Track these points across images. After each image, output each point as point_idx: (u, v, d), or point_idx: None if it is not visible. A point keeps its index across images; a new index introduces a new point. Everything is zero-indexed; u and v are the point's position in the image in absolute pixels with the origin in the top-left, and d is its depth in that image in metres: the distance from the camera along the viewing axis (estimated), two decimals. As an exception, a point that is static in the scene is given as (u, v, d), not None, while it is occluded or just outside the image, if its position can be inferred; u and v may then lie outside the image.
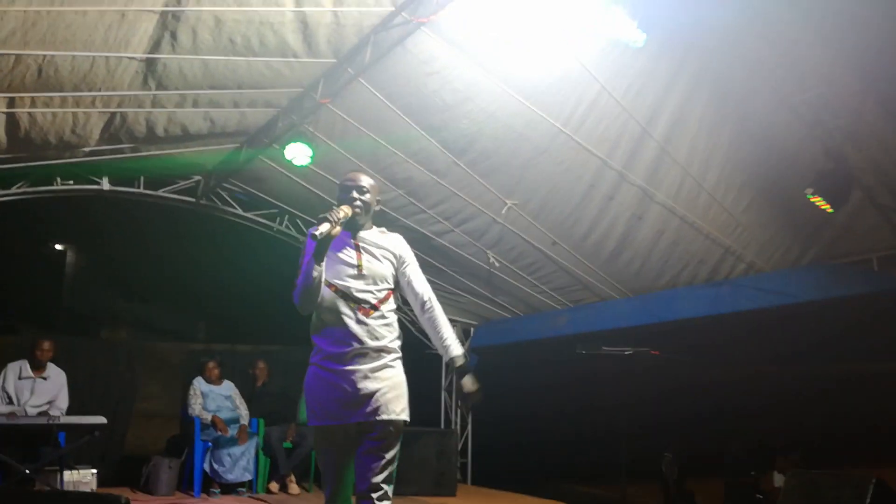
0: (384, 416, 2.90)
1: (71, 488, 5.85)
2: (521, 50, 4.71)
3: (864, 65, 4.06)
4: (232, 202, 7.87)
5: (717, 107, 4.76)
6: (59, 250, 14.39)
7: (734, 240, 6.00)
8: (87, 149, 5.97)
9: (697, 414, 8.73)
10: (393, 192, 6.65)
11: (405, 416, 2.99)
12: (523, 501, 7.40)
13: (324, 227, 2.84)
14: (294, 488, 7.36)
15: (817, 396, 7.97)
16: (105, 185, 7.07)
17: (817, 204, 4.78)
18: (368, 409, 2.89)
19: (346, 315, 2.94)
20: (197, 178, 7.51)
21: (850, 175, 4.68)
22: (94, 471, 6.22)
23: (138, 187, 7.33)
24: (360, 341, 2.93)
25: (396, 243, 3.18)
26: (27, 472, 5.47)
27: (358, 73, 5.19)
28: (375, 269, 3.04)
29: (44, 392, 6.29)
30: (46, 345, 6.38)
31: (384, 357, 2.97)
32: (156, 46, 4.63)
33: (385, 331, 3.00)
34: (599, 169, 5.60)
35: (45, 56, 4.49)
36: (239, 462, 6.98)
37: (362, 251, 3.06)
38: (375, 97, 5.46)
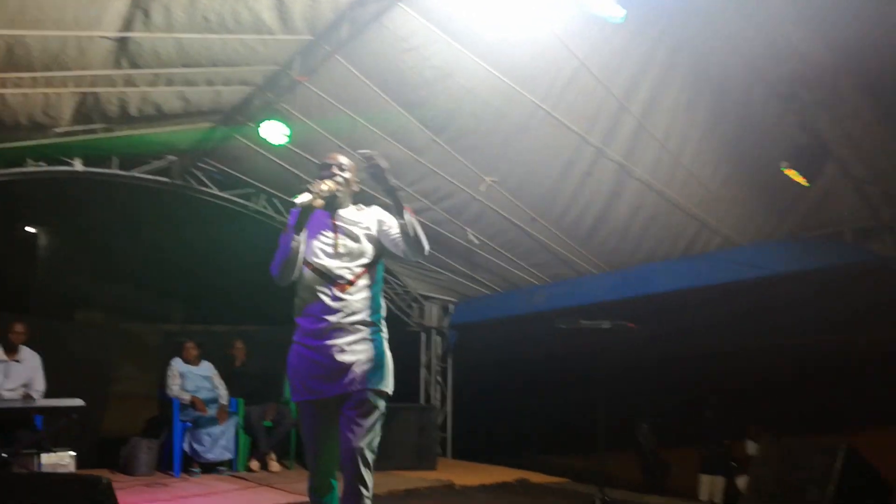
0: (359, 387, 2.97)
1: (49, 471, 5.81)
2: (499, 25, 4.69)
3: (838, 39, 4.10)
4: (207, 182, 7.78)
5: (695, 82, 4.80)
6: (31, 232, 14.16)
7: (710, 214, 6.07)
8: (58, 129, 5.85)
9: (673, 385, 8.88)
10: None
11: (383, 387, 3.05)
12: (502, 472, 7.50)
13: (304, 197, 2.91)
14: (275, 466, 7.38)
15: (790, 367, 8.13)
16: (78, 165, 6.95)
17: (792, 177, 4.84)
18: (345, 380, 2.96)
19: (322, 292, 3.00)
20: (172, 157, 7.40)
21: (825, 148, 4.75)
22: (73, 453, 6.17)
23: (112, 168, 7.21)
24: (336, 316, 2.98)
25: (373, 213, 3.21)
26: (4, 455, 5.42)
27: (335, 50, 5.15)
28: (352, 247, 3.08)
29: (18, 375, 6.22)
30: (19, 327, 6.29)
31: (361, 331, 3.02)
32: (128, 25, 4.55)
33: (361, 304, 3.04)
34: (578, 145, 5.62)
35: (14, 36, 4.39)
36: (219, 441, 6.98)
37: (339, 230, 3.10)
38: (353, 74, 5.42)
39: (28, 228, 14.09)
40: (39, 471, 5.65)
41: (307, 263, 3.03)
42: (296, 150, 6.59)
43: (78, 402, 5.75)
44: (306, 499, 5.47)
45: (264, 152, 6.82)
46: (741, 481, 7.42)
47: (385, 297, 3.29)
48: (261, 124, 6.00)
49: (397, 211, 3.01)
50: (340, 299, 2.99)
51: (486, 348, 9.50)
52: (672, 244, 6.61)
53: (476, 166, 6.23)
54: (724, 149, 5.33)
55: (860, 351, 7.26)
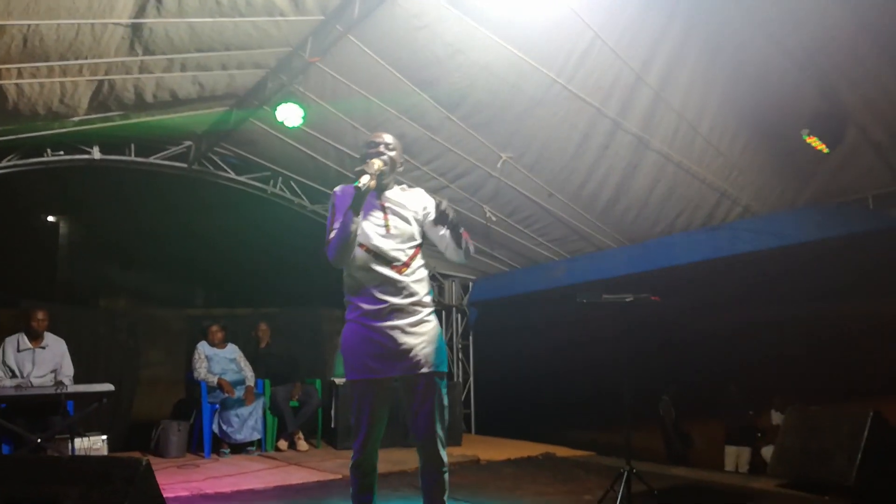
0: (425, 370, 3.02)
1: (83, 454, 5.93)
2: None
3: (855, 2, 4.03)
4: (224, 166, 7.83)
5: (712, 51, 4.72)
6: (52, 222, 14.31)
7: (730, 184, 6.01)
8: (76, 118, 5.91)
9: (696, 357, 8.85)
10: (387, 149, 6.62)
11: (444, 368, 3.11)
12: (527, 447, 7.54)
13: (364, 179, 2.90)
14: (302, 445, 7.48)
15: (814, 336, 8.07)
16: (96, 153, 7.02)
17: (813, 145, 4.78)
18: (409, 363, 3.00)
19: (379, 273, 3.02)
20: (188, 143, 7.45)
21: (845, 114, 4.68)
22: (105, 437, 6.29)
23: (129, 155, 7.28)
24: (396, 298, 3.01)
25: (418, 197, 3.23)
26: (39, 441, 5.53)
27: (346, 30, 5.12)
28: (402, 227, 3.10)
29: (45, 362, 6.32)
30: (41, 314, 6.39)
31: (420, 312, 3.06)
32: (141, 11, 4.56)
33: (418, 286, 3.07)
34: (594, 118, 5.57)
35: (29, 25, 4.42)
36: (247, 422, 7.08)
37: (388, 211, 3.11)
38: (365, 54, 5.40)
39: (49, 218, 14.23)
40: (73, 454, 5.76)
41: (360, 244, 3.03)
42: (311, 131, 6.60)
43: (108, 386, 5.86)
44: (335, 476, 5.56)
45: (279, 135, 6.84)
46: (766, 451, 7.43)
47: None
48: (277, 107, 6.01)
49: (456, 243, 3.11)
50: (398, 280, 3.02)
51: (506, 324, 9.52)
52: (692, 215, 6.56)
53: (491, 143, 6.20)
54: (742, 117, 5.26)
55: (885, 318, 7.18)
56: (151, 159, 7.42)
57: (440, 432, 3.04)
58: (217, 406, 7.07)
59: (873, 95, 4.61)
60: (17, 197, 10.55)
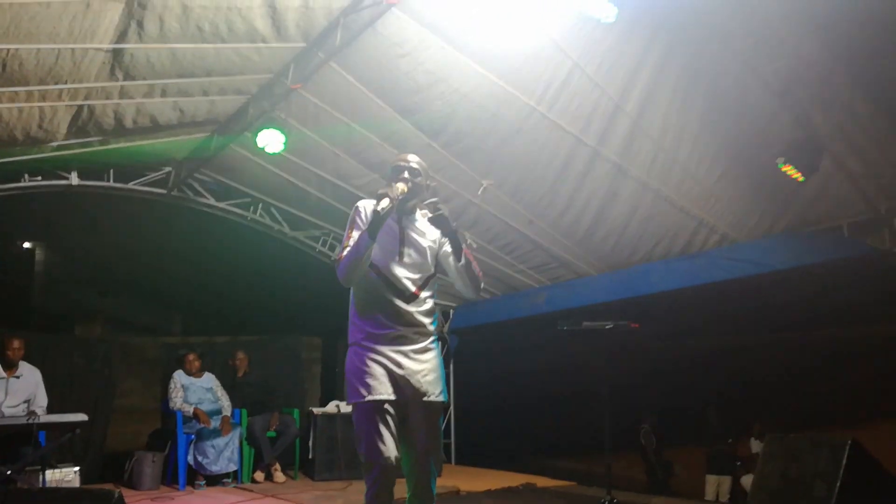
0: (427, 399, 2.98)
1: (54, 487, 5.78)
2: (492, 28, 4.70)
3: (830, 34, 4.12)
4: (204, 192, 7.78)
5: (689, 80, 4.81)
6: (28, 248, 14.13)
7: (707, 212, 6.08)
8: (54, 143, 5.86)
9: (675, 384, 8.88)
10: (368, 175, 6.64)
11: (444, 398, 3.08)
12: (507, 477, 7.47)
13: (384, 203, 2.82)
14: (279, 476, 7.35)
15: (792, 363, 8.12)
16: (74, 179, 6.96)
17: (788, 173, 4.85)
18: (412, 389, 2.96)
19: (387, 300, 2.99)
20: (167, 169, 7.41)
21: (820, 143, 4.76)
22: (77, 468, 6.13)
23: (108, 181, 7.21)
24: (401, 325, 2.98)
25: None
26: (8, 473, 5.38)
27: (329, 57, 5.15)
28: (416, 258, 3.07)
29: (18, 391, 6.17)
30: (16, 343, 6.24)
31: (423, 340, 3.04)
32: (122, 36, 4.56)
33: (424, 317, 3.05)
34: (574, 146, 5.63)
35: (8, 50, 4.40)
36: (223, 453, 6.95)
37: (405, 239, 3.06)
38: (347, 81, 5.43)
39: (25, 244, 14.06)
40: (45, 486, 5.62)
41: (372, 266, 2.99)
42: (292, 157, 6.60)
43: (81, 416, 5.72)
44: (311, 507, 5.38)
45: (260, 161, 6.83)
46: (746, 480, 7.42)
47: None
48: (258, 133, 6.00)
49: (456, 255, 3.07)
50: (405, 310, 2.99)
51: (487, 352, 9.49)
52: (670, 243, 6.61)
53: (472, 170, 6.24)
54: (719, 146, 5.34)
55: (861, 345, 7.26)
56: (130, 185, 7.36)
57: (433, 465, 3.00)
58: (193, 436, 6.94)
59: (847, 125, 4.71)
60: (-8, 223, 10.42)
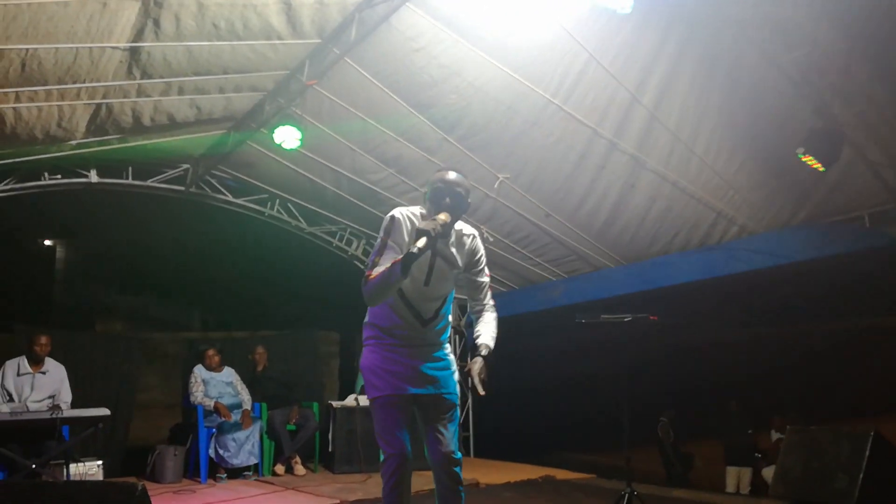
0: (442, 392, 3.06)
1: (78, 480, 5.86)
2: (506, 21, 4.69)
3: (848, 21, 4.07)
4: (222, 189, 7.83)
5: (706, 71, 4.77)
6: (49, 246, 14.29)
7: (726, 203, 6.03)
8: (73, 142, 5.92)
9: (695, 377, 8.82)
10: (384, 171, 6.65)
11: (456, 400, 3.13)
12: (527, 470, 7.47)
13: (421, 243, 2.69)
14: (300, 469, 7.40)
15: (813, 355, 8.05)
16: (93, 177, 7.02)
17: (808, 163, 4.80)
18: (428, 384, 3.03)
19: (406, 320, 3.03)
20: (185, 166, 7.46)
21: (840, 132, 4.70)
22: (100, 462, 6.22)
23: (127, 178, 7.28)
24: (415, 342, 3.05)
25: (472, 248, 3.11)
26: (33, 466, 5.47)
27: (344, 53, 5.16)
28: (441, 285, 3.02)
29: (44, 387, 6.27)
30: (44, 339, 6.35)
31: (435, 352, 3.11)
32: (139, 35, 4.59)
33: (438, 336, 3.13)
34: (590, 138, 5.60)
35: (27, 49, 4.45)
36: (244, 446, 7.01)
37: (434, 267, 2.95)
38: (362, 76, 5.43)
39: (46, 242, 14.22)
40: (69, 480, 5.70)
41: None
42: (308, 154, 6.62)
43: (104, 411, 5.80)
44: (333, 501, 5.49)
45: (277, 157, 6.85)
46: (767, 472, 7.38)
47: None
48: (274, 130, 6.03)
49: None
50: (422, 331, 3.05)
51: (504, 345, 9.46)
52: (689, 235, 6.57)
53: (488, 163, 6.22)
54: (737, 137, 5.29)
55: (883, 335, 7.18)
56: (149, 182, 7.42)
57: (457, 454, 3.06)
58: (213, 430, 7.00)
59: (868, 113, 4.65)
60: (14, 220, 10.54)
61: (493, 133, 5.82)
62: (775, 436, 7.75)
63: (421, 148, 6.16)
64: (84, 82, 4.99)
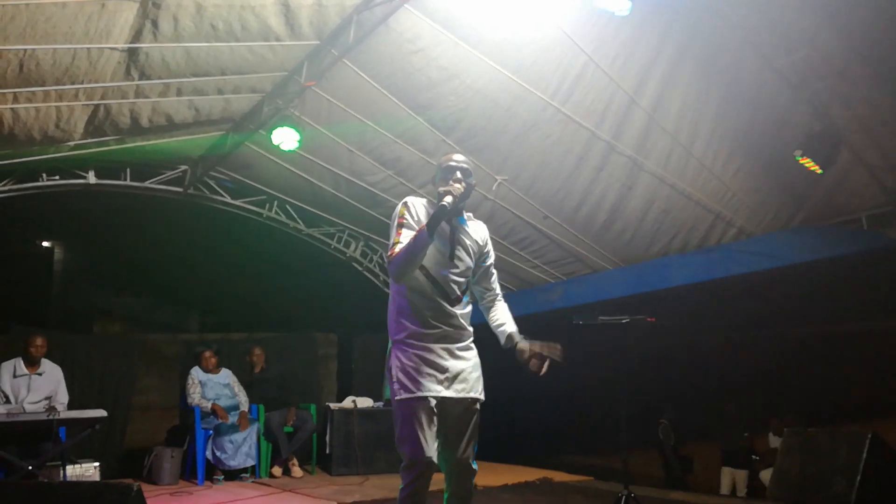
0: (472, 395, 3.03)
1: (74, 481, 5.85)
2: (505, 23, 4.69)
3: (847, 24, 4.07)
4: (220, 190, 7.83)
5: (704, 73, 4.77)
6: (47, 247, 14.27)
7: (724, 205, 6.03)
8: (71, 143, 5.91)
9: (693, 380, 8.81)
10: (382, 172, 6.65)
11: (483, 396, 3.12)
12: (524, 472, 7.47)
13: (448, 199, 2.86)
14: (297, 471, 7.40)
15: (810, 357, 8.05)
16: (91, 178, 7.03)
17: (806, 165, 4.80)
18: (457, 386, 2.98)
19: (434, 300, 2.99)
20: (183, 167, 7.46)
21: (838, 135, 4.71)
22: (97, 464, 6.22)
23: (125, 179, 7.28)
24: (447, 325, 3.00)
25: (482, 233, 3.20)
26: (30, 468, 5.46)
27: (342, 55, 5.16)
28: (464, 258, 3.07)
29: (40, 388, 6.27)
30: (39, 341, 6.34)
31: (466, 338, 3.07)
32: (137, 36, 4.59)
33: (465, 318, 3.09)
34: (588, 140, 5.60)
35: (25, 50, 4.45)
36: (241, 448, 7.01)
37: (456, 241, 3.05)
38: (361, 78, 5.43)
39: (44, 243, 14.20)
40: (65, 480, 5.69)
41: (423, 268, 2.99)
42: (306, 155, 6.62)
43: (101, 412, 5.80)
44: (329, 503, 5.48)
45: (275, 159, 6.86)
46: (765, 474, 7.37)
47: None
48: (273, 131, 6.03)
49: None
50: (451, 312, 3.01)
51: (501, 348, 9.46)
52: (687, 237, 6.57)
53: (486, 165, 6.22)
54: (736, 139, 5.29)
55: (881, 338, 7.18)
56: (147, 183, 7.42)
57: (474, 461, 3.03)
58: (211, 432, 7.00)
59: (866, 116, 4.65)
60: (12, 222, 10.52)
61: (491, 135, 5.82)
62: (773, 439, 7.74)
63: (419, 150, 6.16)
64: (82, 83, 4.99)
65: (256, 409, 7.46)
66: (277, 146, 6.14)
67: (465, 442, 3.00)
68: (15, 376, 6.17)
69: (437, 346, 2.97)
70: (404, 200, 3.07)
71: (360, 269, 8.97)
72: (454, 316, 3.02)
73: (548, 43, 4.77)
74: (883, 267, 5.80)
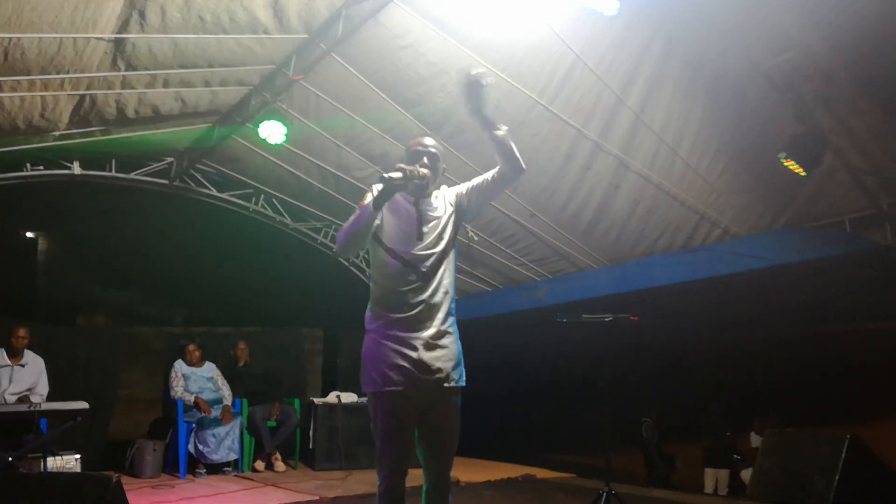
0: (449, 384, 2.89)
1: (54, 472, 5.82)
2: (494, 20, 4.70)
3: (833, 28, 4.11)
4: (206, 183, 7.80)
5: (691, 74, 4.80)
6: (31, 238, 14.15)
7: (709, 206, 6.07)
8: (56, 133, 5.86)
9: (676, 379, 8.88)
10: (370, 168, 6.64)
11: (463, 382, 2.98)
12: (507, 469, 7.49)
13: (395, 174, 2.74)
14: (280, 466, 7.39)
15: (793, 358, 8.12)
16: (76, 169, 6.97)
17: (790, 168, 4.83)
18: (430, 377, 2.85)
19: (406, 282, 2.87)
20: (169, 159, 7.42)
21: (822, 138, 4.74)
22: (78, 456, 6.18)
23: (110, 170, 7.23)
24: (422, 306, 2.87)
25: (448, 195, 3.08)
26: (10, 459, 5.42)
27: (330, 49, 5.15)
28: (434, 236, 2.95)
29: (22, 379, 6.22)
30: (22, 332, 6.30)
31: (444, 323, 2.92)
32: (124, 26, 4.56)
33: (443, 294, 2.93)
34: (576, 139, 5.62)
35: (10, 39, 4.40)
36: (224, 442, 6.99)
37: (423, 218, 2.95)
38: (349, 72, 5.43)
39: (28, 234, 14.08)
40: (45, 472, 5.65)
41: (390, 250, 2.90)
42: (294, 149, 6.60)
43: (82, 404, 5.76)
44: (312, 497, 5.48)
45: (262, 152, 6.83)
46: (745, 473, 7.43)
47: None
48: (259, 124, 6.01)
49: (492, 126, 3.05)
50: (425, 288, 2.88)
51: (486, 345, 9.48)
52: (672, 237, 6.60)
53: (474, 162, 6.20)
54: (721, 140, 5.33)
55: (862, 340, 7.25)
56: (132, 175, 7.38)
57: (451, 455, 2.95)
58: (193, 425, 6.98)
59: (850, 120, 4.69)
60: (-5, 212, 10.43)
61: (479, 132, 5.73)
62: (755, 438, 7.80)
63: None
64: (68, 73, 4.95)
65: (240, 404, 7.45)
66: (264, 140, 6.12)
67: (438, 435, 2.91)
68: (-3, 367, 6.13)
69: (408, 336, 2.85)
70: (372, 185, 2.94)
71: (346, 264, 8.97)
72: (429, 293, 2.89)
73: (537, 41, 4.78)
74: (865, 270, 5.86)
